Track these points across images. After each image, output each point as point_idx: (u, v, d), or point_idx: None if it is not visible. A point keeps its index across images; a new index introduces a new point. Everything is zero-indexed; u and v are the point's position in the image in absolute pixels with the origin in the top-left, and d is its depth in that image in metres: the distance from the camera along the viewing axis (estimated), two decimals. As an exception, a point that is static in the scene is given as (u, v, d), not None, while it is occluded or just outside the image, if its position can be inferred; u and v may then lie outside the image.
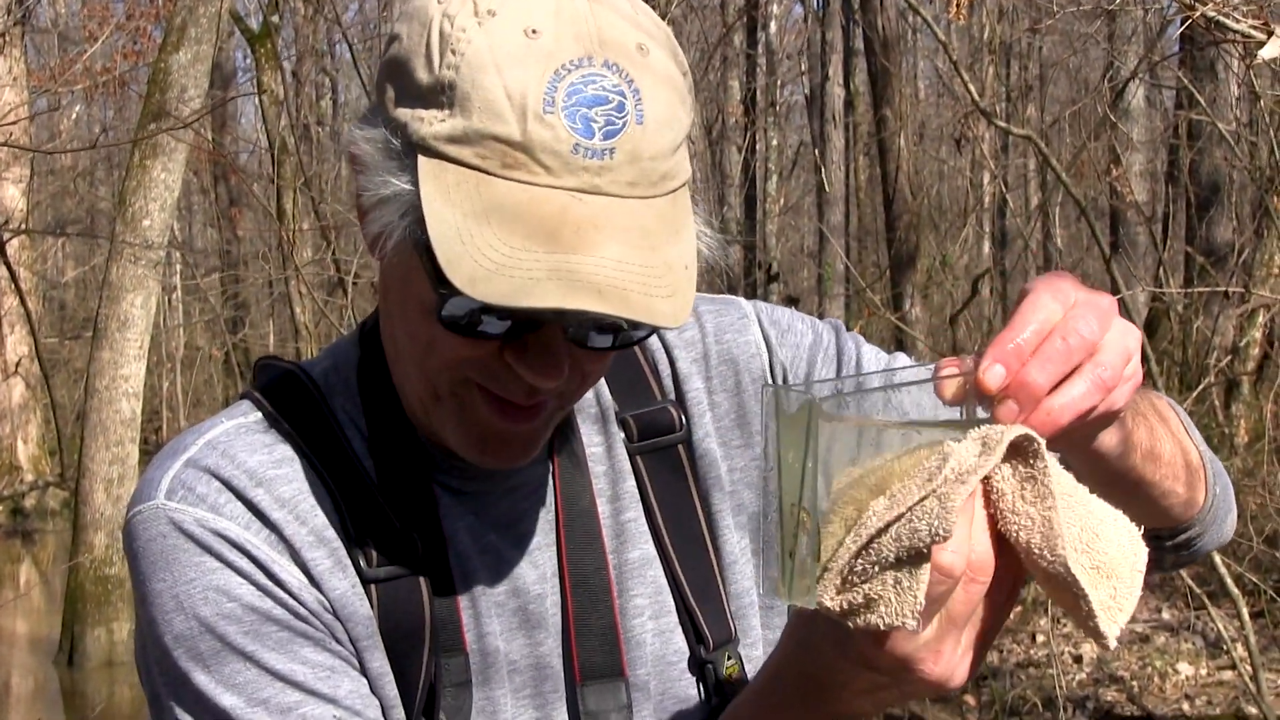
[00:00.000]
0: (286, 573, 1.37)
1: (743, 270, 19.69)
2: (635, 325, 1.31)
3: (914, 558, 1.07)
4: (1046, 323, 1.15)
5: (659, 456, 1.55)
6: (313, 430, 1.45)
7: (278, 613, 1.37)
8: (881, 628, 1.09)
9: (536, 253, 1.23)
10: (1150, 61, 9.66)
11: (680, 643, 1.51)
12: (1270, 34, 4.38)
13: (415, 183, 1.28)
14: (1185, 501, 1.49)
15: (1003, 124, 6.92)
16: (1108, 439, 1.32)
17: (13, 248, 13.84)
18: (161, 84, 10.60)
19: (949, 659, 1.14)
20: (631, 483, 1.54)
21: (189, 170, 11.80)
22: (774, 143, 21.77)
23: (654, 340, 1.59)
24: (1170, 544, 1.54)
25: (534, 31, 1.26)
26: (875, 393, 1.18)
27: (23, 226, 15.10)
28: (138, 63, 17.38)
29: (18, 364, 17.88)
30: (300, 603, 1.37)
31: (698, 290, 1.34)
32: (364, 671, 1.40)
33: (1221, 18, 4.62)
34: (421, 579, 1.42)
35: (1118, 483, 1.40)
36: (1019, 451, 1.11)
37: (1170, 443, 1.45)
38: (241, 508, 1.38)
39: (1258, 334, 9.98)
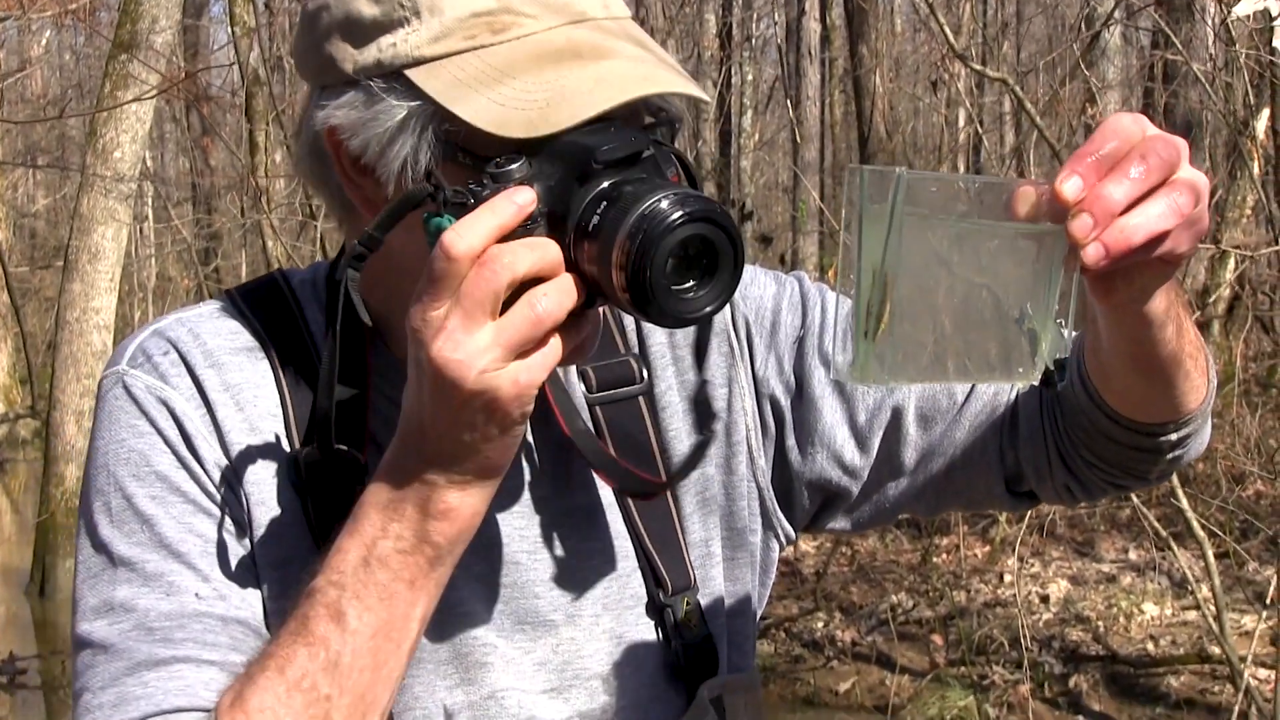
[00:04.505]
0: (210, 451, 1.42)
1: (717, 206, 19.59)
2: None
3: None
4: (1126, 142, 1.14)
5: (619, 408, 1.56)
6: (279, 329, 1.49)
7: (187, 486, 1.41)
8: None
9: (572, 72, 1.26)
10: (1127, 4, 9.61)
11: (638, 587, 1.53)
12: (1247, -17, 4.38)
13: (419, 96, 1.29)
14: (1197, 386, 1.44)
15: (978, 67, 6.90)
16: (1159, 302, 1.28)
17: (-18, 177, 13.70)
18: (133, 14, 10.48)
19: (461, 341, 1.18)
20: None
21: (160, 99, 11.67)
22: (749, 77, 21.65)
23: None
24: (1176, 437, 1.48)
25: None
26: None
27: (-8, 156, 14.96)
28: (108, -10, 17.14)
29: (-12, 294, 17.75)
30: (212, 481, 1.42)
31: None
32: (265, 563, 1.42)
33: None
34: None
35: (1154, 359, 1.35)
36: None
37: (1187, 319, 1.39)
38: (189, 382, 1.43)
39: (1228, 275, 10.00)
